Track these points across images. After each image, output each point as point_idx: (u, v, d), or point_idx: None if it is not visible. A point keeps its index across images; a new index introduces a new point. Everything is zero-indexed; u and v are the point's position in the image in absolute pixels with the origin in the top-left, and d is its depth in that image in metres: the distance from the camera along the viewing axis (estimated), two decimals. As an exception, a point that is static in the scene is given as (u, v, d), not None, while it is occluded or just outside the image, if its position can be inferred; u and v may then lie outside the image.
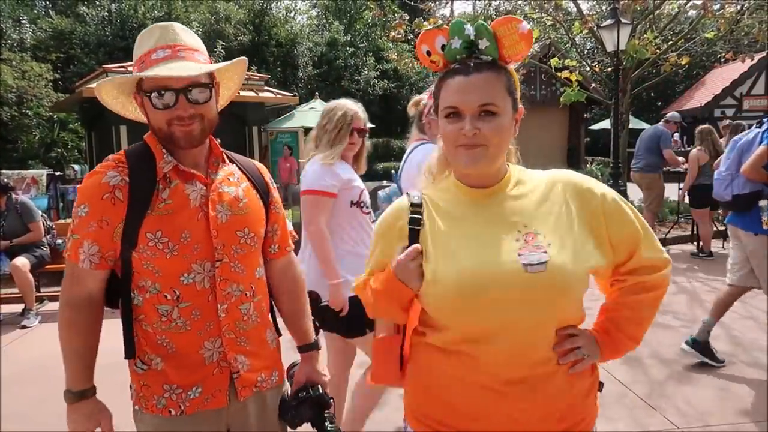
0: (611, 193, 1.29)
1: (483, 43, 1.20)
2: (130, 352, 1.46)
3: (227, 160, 1.56)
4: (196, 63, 1.40)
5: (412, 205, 1.31)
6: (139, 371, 1.47)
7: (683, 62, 9.66)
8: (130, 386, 1.52)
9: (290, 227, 1.73)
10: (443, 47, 1.24)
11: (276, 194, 1.65)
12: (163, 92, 1.34)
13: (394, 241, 1.31)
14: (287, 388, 1.67)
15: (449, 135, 1.21)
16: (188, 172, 1.43)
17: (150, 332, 1.44)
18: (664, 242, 8.41)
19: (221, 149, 1.54)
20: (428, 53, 1.25)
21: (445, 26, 1.25)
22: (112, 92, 1.49)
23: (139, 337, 1.45)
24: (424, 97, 2.93)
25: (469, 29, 1.20)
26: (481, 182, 1.28)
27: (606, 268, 1.27)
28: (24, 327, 5.34)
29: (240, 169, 1.58)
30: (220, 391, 1.47)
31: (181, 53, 1.38)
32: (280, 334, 1.68)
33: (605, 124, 19.29)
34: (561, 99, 10.21)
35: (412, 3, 11.08)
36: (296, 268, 1.73)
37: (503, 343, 1.20)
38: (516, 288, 1.17)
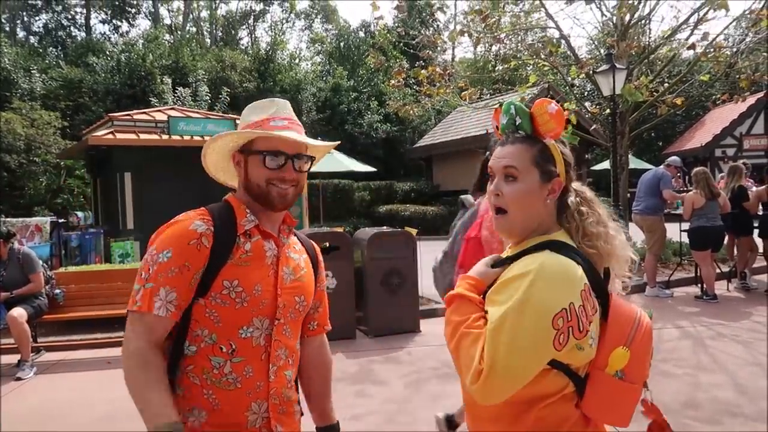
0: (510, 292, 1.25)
1: (518, 120, 1.40)
2: None
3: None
4: (305, 137, 1.57)
5: None
6: None
7: (678, 103, 9.76)
8: None
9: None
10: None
11: (323, 274, 1.74)
12: (277, 154, 1.49)
13: None
14: None
15: (489, 195, 1.42)
16: (267, 231, 1.53)
17: (197, 385, 1.42)
18: (668, 285, 8.32)
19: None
20: (497, 128, 1.47)
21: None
22: (224, 147, 1.58)
23: (182, 390, 1.43)
24: None
25: (513, 109, 1.40)
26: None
27: None
28: (19, 379, 5.28)
29: (300, 242, 1.69)
30: None
31: (296, 126, 1.55)
32: (302, 414, 1.68)
33: (607, 164, 19.34)
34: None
35: (412, 51, 11.34)
36: (328, 349, 1.79)
37: None
38: None
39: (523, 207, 1.35)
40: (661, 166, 8.30)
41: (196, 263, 1.40)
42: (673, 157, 8.57)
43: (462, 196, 3.12)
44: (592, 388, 1.28)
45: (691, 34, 9.97)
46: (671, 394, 4.28)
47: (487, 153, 3.08)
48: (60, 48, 29.63)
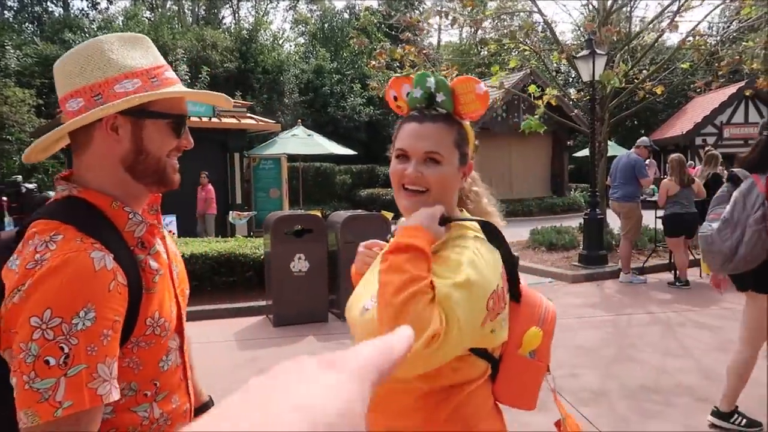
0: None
1: (440, 97, 1.26)
2: None
3: None
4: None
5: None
6: None
7: (657, 91, 9.77)
8: None
9: None
10: (408, 94, 1.30)
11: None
12: (184, 118, 1.17)
13: None
14: None
15: (395, 174, 1.28)
16: (155, 228, 1.17)
17: None
18: (642, 271, 8.38)
19: None
20: (395, 98, 1.34)
21: (412, 75, 1.33)
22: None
23: None
24: None
25: (431, 82, 1.26)
26: None
27: None
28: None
29: None
30: None
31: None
32: None
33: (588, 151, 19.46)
34: (522, 127, 10.26)
35: (395, 33, 11.21)
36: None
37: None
38: (355, 329, 1.27)
39: (445, 189, 1.27)
40: (633, 150, 8.25)
41: (122, 313, 1.02)
42: (642, 138, 8.54)
43: (734, 170, 3.32)
44: (505, 369, 1.25)
45: (672, 21, 9.97)
46: (634, 378, 4.31)
47: (765, 133, 3.28)
48: (36, 24, 28.88)
